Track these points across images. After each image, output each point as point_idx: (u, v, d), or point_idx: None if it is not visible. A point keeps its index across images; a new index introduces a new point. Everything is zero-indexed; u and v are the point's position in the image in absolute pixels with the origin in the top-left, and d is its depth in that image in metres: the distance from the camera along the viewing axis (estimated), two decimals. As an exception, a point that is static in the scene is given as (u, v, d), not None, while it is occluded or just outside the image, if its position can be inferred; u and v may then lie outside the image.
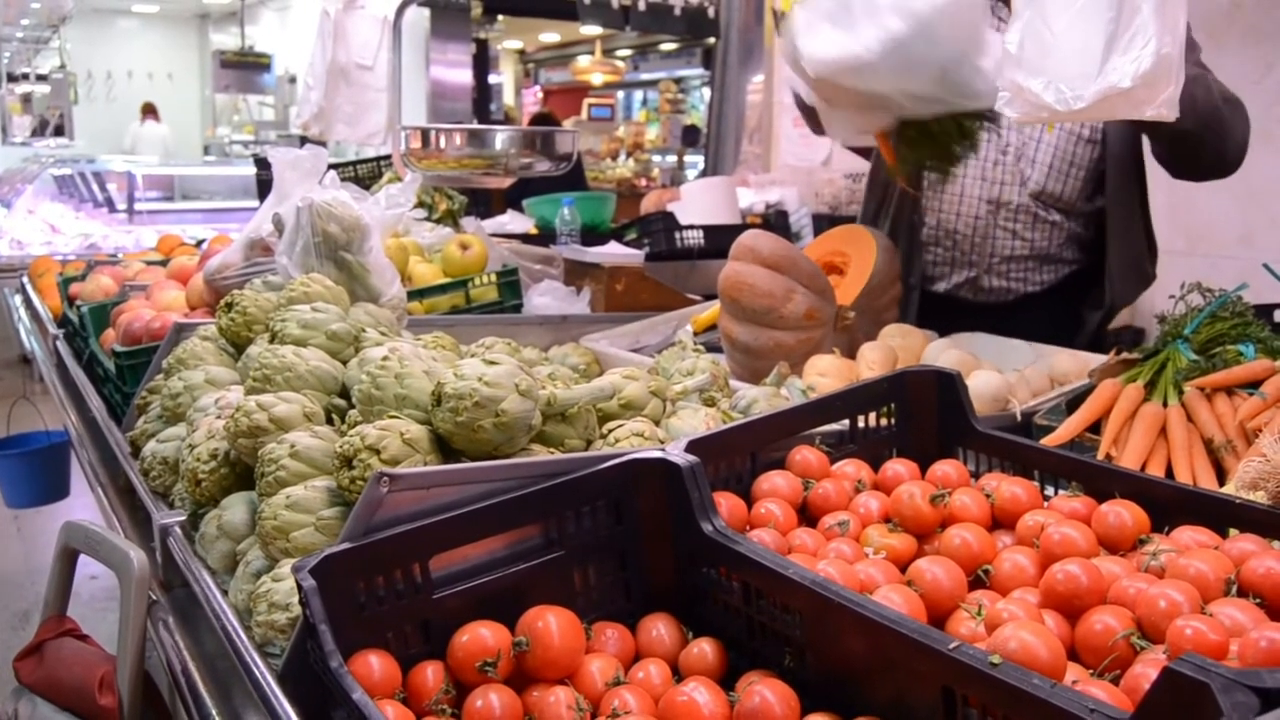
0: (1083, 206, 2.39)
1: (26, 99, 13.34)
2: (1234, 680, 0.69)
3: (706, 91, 10.60)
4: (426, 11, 8.04)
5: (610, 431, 1.40)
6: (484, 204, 5.11)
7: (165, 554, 1.51)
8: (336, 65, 4.11)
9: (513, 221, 4.17)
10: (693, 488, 1.14)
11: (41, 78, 13.30)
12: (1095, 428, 1.62)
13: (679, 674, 1.09)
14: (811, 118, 2.23)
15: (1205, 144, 2.08)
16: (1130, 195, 2.34)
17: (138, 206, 7.22)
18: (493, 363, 1.27)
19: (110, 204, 7.27)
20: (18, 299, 4.00)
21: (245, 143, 12.87)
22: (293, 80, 12.26)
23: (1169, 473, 1.50)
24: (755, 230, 2.15)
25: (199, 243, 3.56)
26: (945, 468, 1.32)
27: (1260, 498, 1.19)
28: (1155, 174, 2.28)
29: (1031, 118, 1.54)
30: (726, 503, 1.25)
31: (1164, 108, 1.41)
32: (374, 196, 2.34)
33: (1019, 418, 1.74)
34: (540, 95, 16.52)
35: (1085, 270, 2.45)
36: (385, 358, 1.35)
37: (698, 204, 4.30)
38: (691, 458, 1.17)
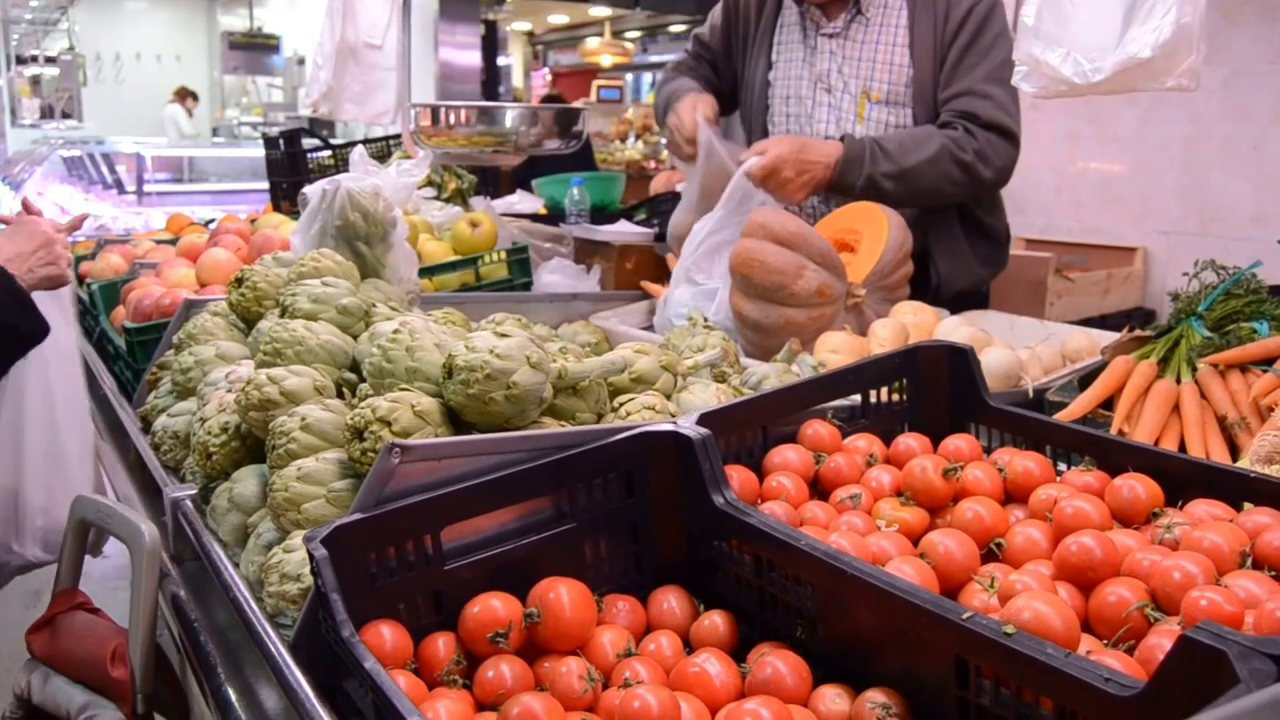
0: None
1: (35, 81, 13.35)
2: (1251, 648, 0.68)
3: (715, 73, 10.52)
4: (436, -9, 8.00)
5: (621, 405, 1.40)
6: (493, 184, 5.08)
7: (176, 527, 1.51)
8: (345, 44, 4.08)
9: (522, 201, 4.14)
10: (704, 460, 1.14)
11: (50, 60, 13.30)
12: (1108, 404, 1.61)
13: (690, 646, 1.09)
14: None
15: (947, 197, 2.35)
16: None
17: (147, 188, 7.25)
18: (504, 335, 1.26)
19: (120, 185, 7.30)
20: (28, 278, 3.99)
21: (254, 124, 12.85)
22: (301, 62, 12.23)
23: (1182, 449, 1.50)
24: (766, 207, 2.14)
25: (208, 223, 3.56)
26: (958, 442, 1.32)
27: (1275, 471, 1.18)
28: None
29: (1050, 92, 1.53)
30: (738, 476, 1.25)
31: (1184, 78, 1.40)
32: (386, 168, 2.33)
33: (1031, 394, 1.73)
34: (549, 77, 16.44)
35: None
36: (396, 331, 1.35)
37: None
38: (703, 431, 1.16)
